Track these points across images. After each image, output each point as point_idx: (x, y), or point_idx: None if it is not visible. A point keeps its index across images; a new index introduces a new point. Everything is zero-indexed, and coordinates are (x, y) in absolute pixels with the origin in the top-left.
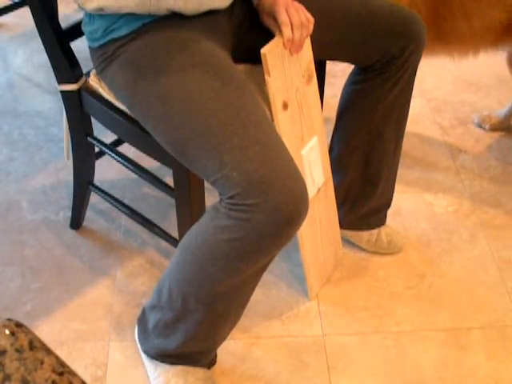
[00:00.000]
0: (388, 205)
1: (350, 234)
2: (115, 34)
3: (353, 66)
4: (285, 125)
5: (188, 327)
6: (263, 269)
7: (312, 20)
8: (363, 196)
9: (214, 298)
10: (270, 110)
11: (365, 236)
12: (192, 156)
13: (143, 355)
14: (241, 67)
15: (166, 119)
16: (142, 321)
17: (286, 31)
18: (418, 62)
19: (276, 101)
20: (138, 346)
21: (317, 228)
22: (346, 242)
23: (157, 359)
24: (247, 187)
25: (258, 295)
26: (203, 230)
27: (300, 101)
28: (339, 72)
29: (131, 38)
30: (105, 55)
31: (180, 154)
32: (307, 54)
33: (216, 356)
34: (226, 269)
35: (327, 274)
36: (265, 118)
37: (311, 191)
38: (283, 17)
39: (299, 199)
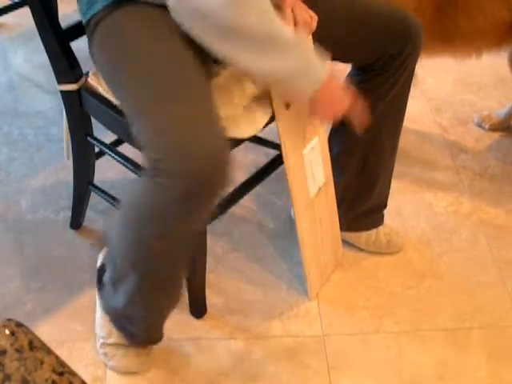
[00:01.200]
0: (384, 205)
1: (348, 235)
2: (95, 8)
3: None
4: (287, 124)
5: (128, 289)
6: (193, 236)
7: (315, 17)
8: (361, 197)
9: (146, 263)
10: (273, 109)
11: (363, 237)
12: (131, 119)
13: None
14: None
15: (126, 84)
16: (100, 272)
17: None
18: (416, 62)
19: (279, 100)
20: (98, 299)
21: (317, 227)
22: (346, 241)
23: (110, 319)
24: (168, 153)
25: (258, 295)
26: (134, 194)
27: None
28: (339, 72)
29: (106, 13)
30: (89, 31)
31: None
32: None
33: (162, 334)
34: (153, 231)
35: (327, 274)
36: (198, 85)
37: (312, 190)
38: (288, 13)
39: (216, 164)
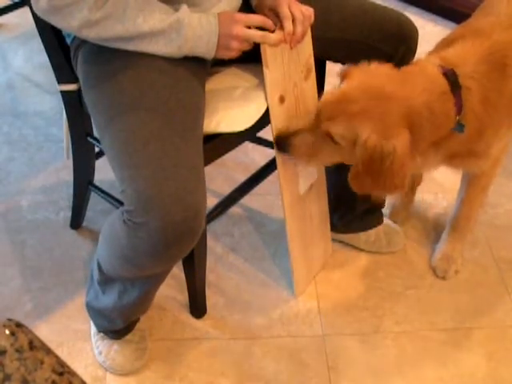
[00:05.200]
0: (382, 205)
1: (347, 236)
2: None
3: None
4: (280, 118)
5: (114, 295)
6: (165, 272)
7: (311, 9)
8: (358, 197)
9: (123, 284)
10: (267, 102)
11: (362, 237)
12: (112, 166)
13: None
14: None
15: (108, 121)
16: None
17: (288, 25)
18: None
19: (273, 94)
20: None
21: (307, 223)
22: (346, 242)
23: (102, 332)
24: (137, 206)
25: (258, 295)
26: (112, 225)
27: (297, 96)
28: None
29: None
30: (73, 48)
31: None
32: (307, 48)
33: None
34: (122, 267)
35: (315, 271)
36: (176, 132)
37: (303, 186)
38: (286, 11)
39: (180, 225)
